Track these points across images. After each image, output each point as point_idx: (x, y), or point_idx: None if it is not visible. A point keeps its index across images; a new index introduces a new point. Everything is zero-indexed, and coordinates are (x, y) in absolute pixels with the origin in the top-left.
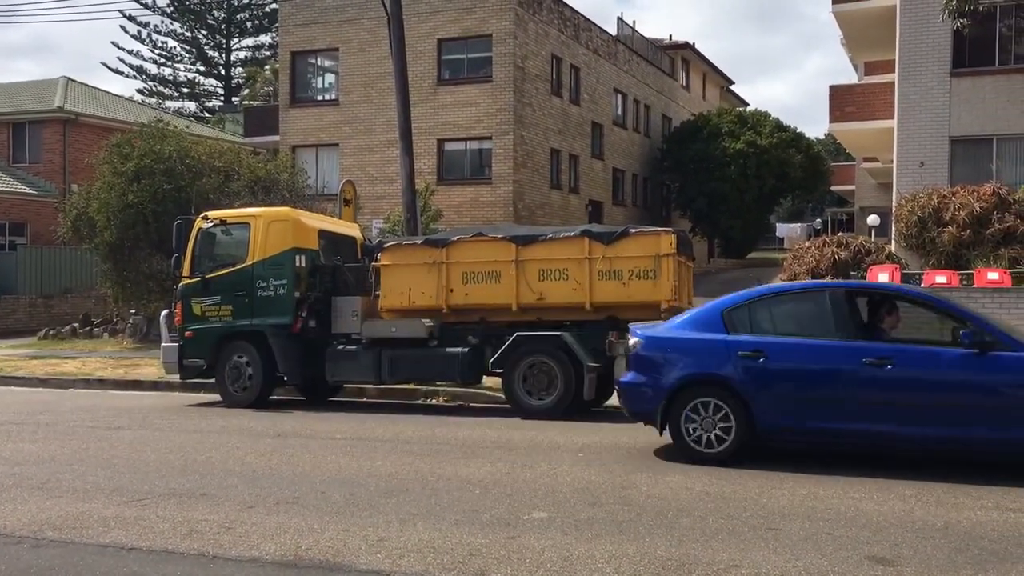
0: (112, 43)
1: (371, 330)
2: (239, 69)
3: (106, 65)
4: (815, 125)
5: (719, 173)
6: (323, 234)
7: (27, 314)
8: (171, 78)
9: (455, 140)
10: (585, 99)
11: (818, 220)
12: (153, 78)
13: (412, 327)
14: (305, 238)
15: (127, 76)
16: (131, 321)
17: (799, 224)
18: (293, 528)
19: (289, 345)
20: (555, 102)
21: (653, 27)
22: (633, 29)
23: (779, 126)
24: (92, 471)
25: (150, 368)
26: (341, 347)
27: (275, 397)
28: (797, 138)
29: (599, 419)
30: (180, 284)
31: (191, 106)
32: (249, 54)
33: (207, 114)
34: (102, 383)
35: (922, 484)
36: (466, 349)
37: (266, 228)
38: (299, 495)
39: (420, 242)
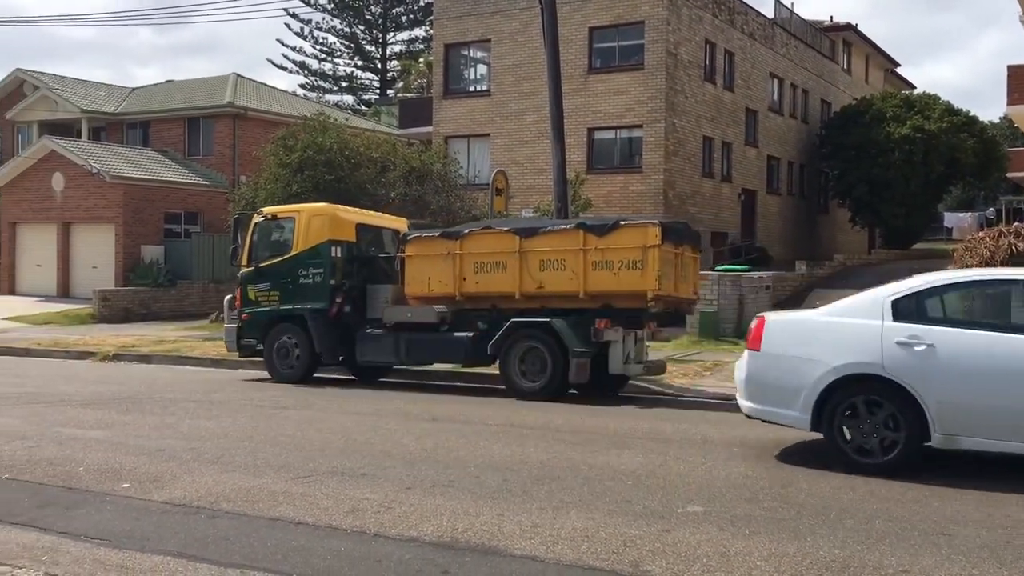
0: (277, 40)
1: (391, 316)
2: (394, 62)
3: (271, 61)
4: (990, 108)
5: (882, 160)
6: (362, 227)
7: (200, 298)
8: (330, 73)
9: (605, 129)
10: (739, 85)
11: (991, 209)
12: (314, 73)
13: (425, 313)
14: (341, 231)
15: (290, 72)
16: None
17: (970, 213)
18: (449, 511)
19: (325, 328)
20: (708, 88)
21: (812, 8)
22: (791, 11)
23: (949, 110)
24: (262, 448)
25: None
26: (370, 331)
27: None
28: (970, 122)
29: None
30: (240, 272)
31: (349, 99)
32: (404, 47)
33: (364, 107)
34: None
35: None
36: (471, 334)
37: (308, 221)
38: (454, 479)
39: (437, 234)
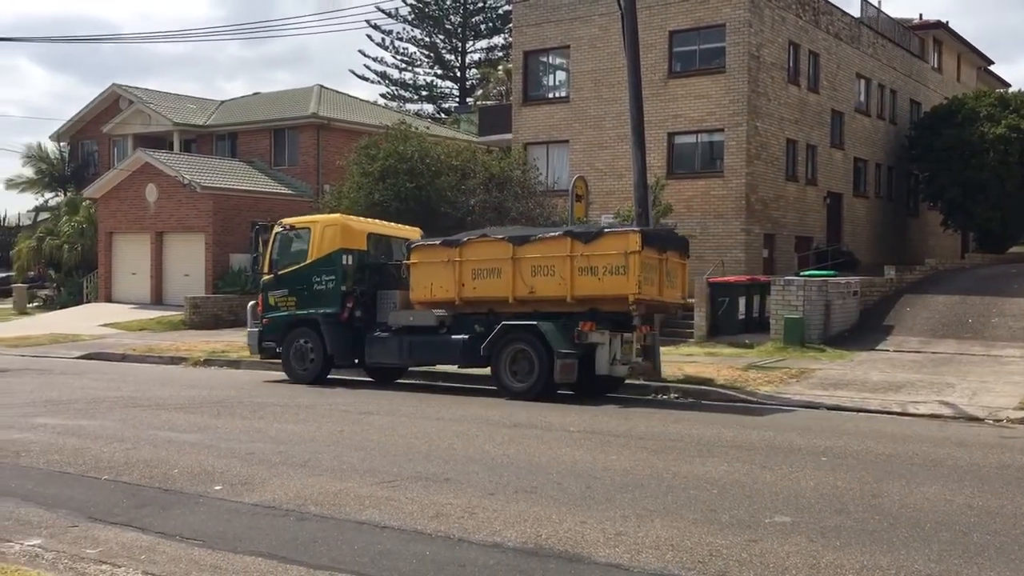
0: (359, 51)
1: (396, 320)
2: (473, 71)
3: (353, 72)
4: None
5: (975, 161)
6: (374, 236)
7: None
8: (411, 82)
9: (686, 133)
10: (824, 86)
11: None
12: (395, 83)
13: (424, 317)
14: (352, 240)
15: (372, 82)
16: None
17: None
18: (532, 517)
19: (337, 331)
20: (792, 91)
21: (901, 7)
22: (878, 10)
23: None
24: (347, 452)
25: None
26: (377, 334)
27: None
28: None
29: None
30: (262, 279)
31: (429, 108)
32: (483, 56)
33: (444, 115)
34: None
35: None
36: (467, 336)
37: (321, 232)
38: (537, 485)
39: (439, 243)
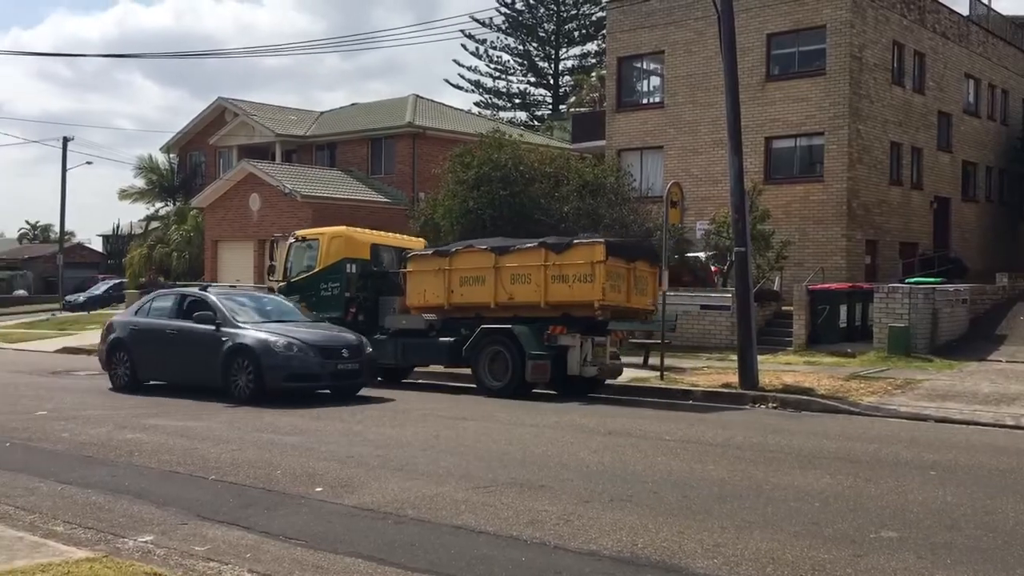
0: (453, 61)
1: (391, 323)
2: (566, 78)
3: (448, 81)
4: None
5: None
6: (378, 247)
7: None
8: (504, 90)
9: (784, 137)
10: (931, 87)
11: None
12: (488, 91)
13: (416, 321)
14: (356, 250)
15: (466, 91)
16: None
17: None
18: (628, 526)
19: None
20: (896, 92)
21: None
22: (988, 8)
23: None
24: (443, 457)
25: None
26: (377, 336)
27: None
28: None
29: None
30: (277, 287)
31: (522, 116)
32: (576, 62)
33: (537, 123)
34: (453, 376)
35: None
36: (453, 339)
37: (328, 242)
38: (632, 494)
39: (431, 252)
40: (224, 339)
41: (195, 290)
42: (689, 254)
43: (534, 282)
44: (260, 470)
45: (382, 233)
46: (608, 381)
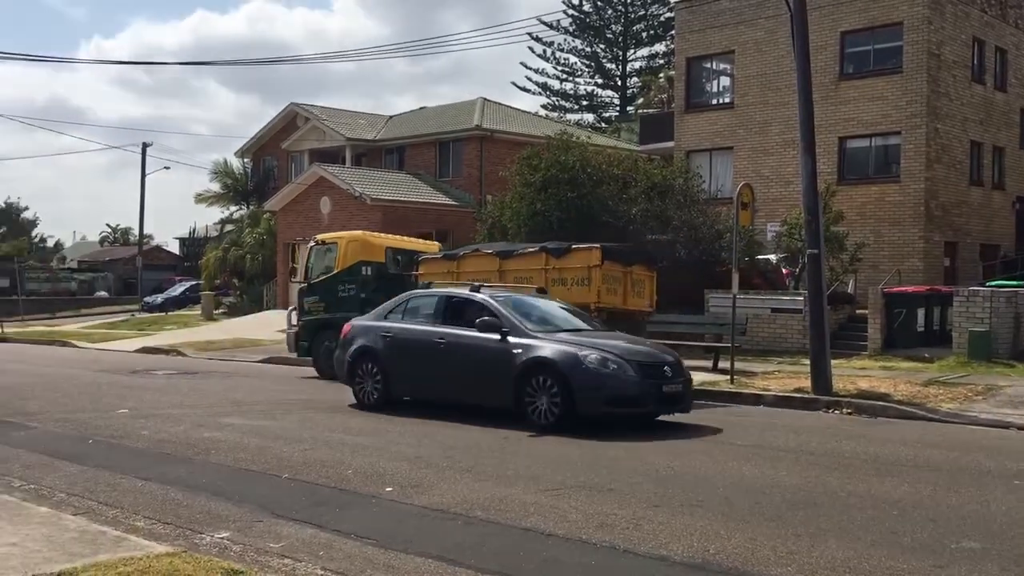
0: (520, 63)
1: None
2: (634, 79)
3: (515, 84)
4: None
5: None
6: (392, 250)
7: None
8: (571, 92)
9: (858, 137)
10: (1013, 84)
11: None
12: (556, 93)
13: None
14: (371, 253)
15: (533, 93)
16: None
17: None
18: (699, 531)
19: None
20: (976, 90)
21: None
22: None
23: None
24: (511, 459)
25: None
26: None
27: None
28: None
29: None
30: (299, 288)
31: (589, 118)
32: (644, 63)
33: (604, 125)
34: None
35: None
36: None
37: (346, 246)
38: (703, 499)
39: (441, 256)
40: (516, 351)
41: (463, 291)
42: (760, 256)
43: (535, 284)
44: (331, 469)
45: (397, 237)
46: None
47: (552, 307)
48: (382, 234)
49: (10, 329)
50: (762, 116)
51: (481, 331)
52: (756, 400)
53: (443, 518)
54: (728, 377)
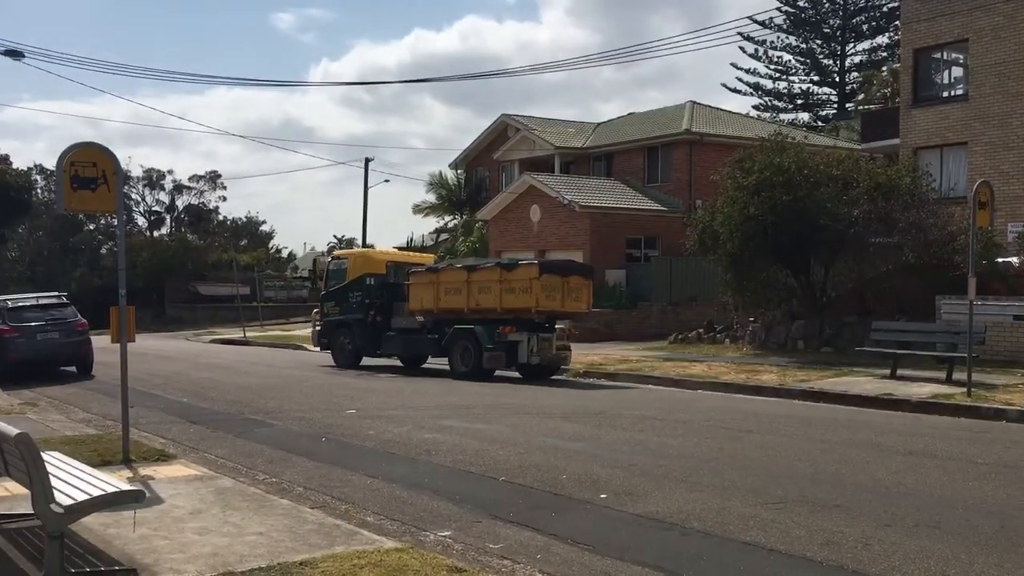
0: (731, 64)
1: (396, 323)
2: (853, 74)
3: (725, 86)
4: None
5: None
6: (393, 263)
7: (659, 320)
8: (785, 91)
9: None
10: None
11: None
12: (768, 93)
13: (413, 322)
14: (374, 267)
15: (744, 94)
16: (750, 328)
17: None
18: (936, 555)
19: (363, 331)
20: None
21: None
22: None
23: None
24: (727, 470)
25: (770, 375)
26: (388, 333)
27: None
28: None
29: None
30: (320, 295)
31: (804, 117)
32: (864, 58)
33: (821, 123)
34: (726, 386)
35: None
36: (438, 336)
37: (354, 260)
38: (940, 520)
39: (425, 269)
40: None
41: None
42: (1000, 259)
43: (493, 293)
44: (546, 474)
45: (396, 252)
46: (901, 398)
47: None
48: (384, 249)
49: (251, 333)
50: (1001, 108)
51: None
52: (997, 415)
53: (658, 527)
54: (964, 390)
